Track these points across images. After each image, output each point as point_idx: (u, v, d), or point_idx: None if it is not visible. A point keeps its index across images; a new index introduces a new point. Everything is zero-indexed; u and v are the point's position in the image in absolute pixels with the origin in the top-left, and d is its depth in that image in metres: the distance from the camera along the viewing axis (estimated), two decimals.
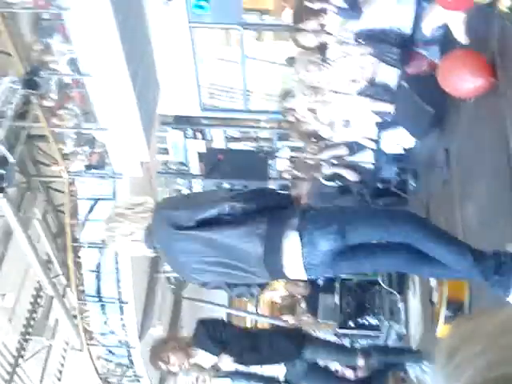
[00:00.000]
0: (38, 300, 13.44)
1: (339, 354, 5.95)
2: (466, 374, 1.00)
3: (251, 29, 9.95)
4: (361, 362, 5.74)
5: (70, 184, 9.97)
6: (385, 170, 7.54)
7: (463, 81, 4.58)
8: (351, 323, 7.90)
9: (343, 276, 8.25)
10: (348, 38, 6.11)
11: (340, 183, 8.46)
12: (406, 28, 5.60)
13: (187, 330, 15.25)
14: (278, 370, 5.30)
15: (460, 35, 4.72)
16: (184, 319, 15.28)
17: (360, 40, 5.88)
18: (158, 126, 10.90)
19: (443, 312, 5.08)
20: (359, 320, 7.85)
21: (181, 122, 11.34)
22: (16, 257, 11.85)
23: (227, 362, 5.18)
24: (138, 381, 13.38)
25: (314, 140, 7.71)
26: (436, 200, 6.06)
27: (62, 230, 12.31)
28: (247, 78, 10.34)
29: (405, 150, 6.64)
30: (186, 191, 13.36)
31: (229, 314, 16.07)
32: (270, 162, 11.11)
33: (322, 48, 6.43)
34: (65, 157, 9.73)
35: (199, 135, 11.50)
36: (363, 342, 8.43)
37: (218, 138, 11.56)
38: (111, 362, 13.10)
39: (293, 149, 10.98)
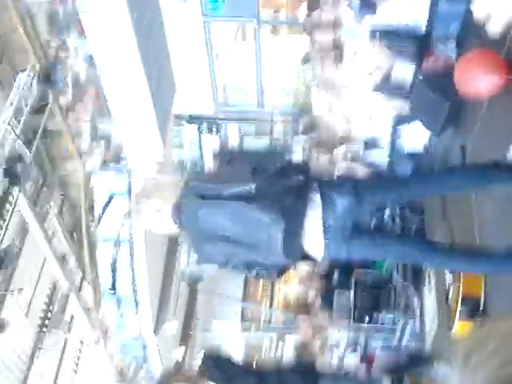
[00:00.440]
0: (54, 294, 13.55)
1: None
2: (481, 373, 1.06)
3: (267, 24, 9.93)
4: None
5: (87, 180, 10.02)
6: (399, 166, 7.51)
7: (478, 80, 4.56)
8: (366, 318, 7.90)
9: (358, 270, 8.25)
10: (363, 33, 6.09)
11: None
12: (422, 23, 5.57)
13: (202, 324, 15.35)
14: None
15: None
16: (199, 313, 15.35)
17: (376, 35, 5.86)
18: (174, 122, 10.92)
19: (458, 308, 5.08)
20: (374, 315, 7.85)
21: (195, 119, 11.34)
22: (32, 252, 11.94)
23: None
24: (153, 374, 13.46)
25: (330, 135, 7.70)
26: (452, 197, 6.04)
27: (78, 225, 12.39)
28: (262, 75, 10.33)
29: (420, 146, 6.61)
30: None
31: (244, 308, 16.13)
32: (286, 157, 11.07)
33: (337, 44, 6.40)
34: (81, 153, 9.79)
35: (214, 130, 11.48)
36: (378, 339, 8.46)
37: (233, 135, 11.54)
38: (126, 355, 13.18)
39: (308, 143, 10.96)
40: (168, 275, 12.88)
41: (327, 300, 8.99)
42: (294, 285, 11.61)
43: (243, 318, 15.93)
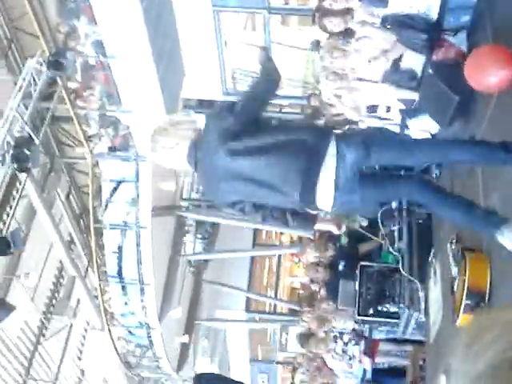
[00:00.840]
0: (60, 280, 13.62)
1: None
2: (485, 357, 1.05)
3: (276, 13, 9.89)
4: None
5: (94, 166, 10.03)
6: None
7: (488, 76, 4.53)
8: (371, 310, 7.88)
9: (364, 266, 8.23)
10: (374, 23, 6.05)
11: None
12: (433, 13, 5.53)
13: (207, 312, 15.39)
14: None
15: None
16: (204, 302, 15.39)
17: (386, 25, 5.82)
18: (182, 110, 10.91)
19: (463, 301, 5.06)
20: (379, 307, 7.83)
21: (204, 105, 11.34)
22: (39, 237, 12.00)
23: None
24: (157, 361, 13.52)
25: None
26: (460, 190, 6.01)
27: (85, 211, 12.44)
28: None
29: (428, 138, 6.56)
30: None
31: (248, 298, 16.16)
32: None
33: (347, 33, 6.37)
34: (89, 138, 9.80)
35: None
36: (382, 331, 8.46)
37: None
38: (131, 342, 13.24)
39: None
40: (173, 263, 12.91)
41: (332, 290, 8.99)
42: (298, 275, 11.61)
43: (247, 309, 15.96)
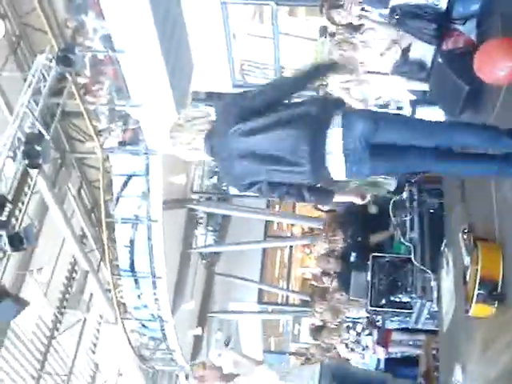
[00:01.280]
0: (73, 274, 13.69)
1: None
2: (501, 362, 1.04)
3: (284, 4, 9.86)
4: None
5: (104, 160, 10.06)
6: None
7: (497, 69, 4.49)
8: (383, 301, 7.87)
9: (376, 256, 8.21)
10: (383, 14, 6.01)
11: None
12: (442, 3, 5.49)
13: (219, 305, 15.44)
14: None
15: None
16: (216, 295, 15.43)
17: (395, 15, 5.78)
18: (191, 103, 10.91)
19: (476, 291, 5.05)
20: (391, 298, 7.82)
21: (213, 98, 11.33)
22: (51, 232, 12.06)
23: None
24: (171, 354, 13.58)
25: None
26: (471, 179, 5.99)
27: (97, 206, 12.48)
28: (280, 54, 10.27)
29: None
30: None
31: (260, 290, 16.20)
32: None
33: (356, 26, 6.33)
34: (99, 133, 9.82)
35: None
36: (394, 321, 8.45)
37: None
38: (144, 335, 13.30)
39: None
40: (185, 256, 12.95)
41: (344, 282, 8.98)
42: (310, 266, 11.61)
43: (260, 300, 16.00)
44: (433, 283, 7.17)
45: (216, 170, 14.11)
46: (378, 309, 8.05)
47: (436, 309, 7.22)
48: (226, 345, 15.28)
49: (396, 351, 9.91)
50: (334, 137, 3.69)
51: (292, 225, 16.98)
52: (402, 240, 7.79)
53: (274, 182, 3.89)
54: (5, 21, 9.90)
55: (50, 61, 7.95)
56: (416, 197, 7.86)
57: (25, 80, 8.38)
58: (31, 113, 7.79)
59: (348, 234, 9.14)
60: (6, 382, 12.13)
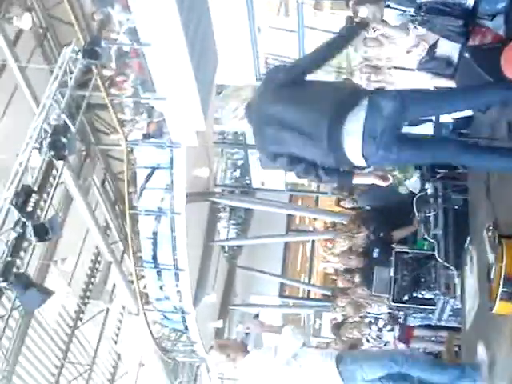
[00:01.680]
0: (97, 265, 13.81)
1: None
2: None
3: None
4: None
5: (129, 152, 10.11)
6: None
7: None
8: (406, 297, 7.84)
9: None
10: (408, 11, 5.97)
11: None
12: (469, 0, 5.44)
13: (241, 298, 15.48)
14: None
15: None
16: (238, 288, 15.48)
17: (421, 13, 5.74)
18: (216, 96, 10.93)
19: (500, 288, 5.01)
20: (414, 294, 7.78)
21: None
22: (76, 223, 12.18)
23: None
24: (192, 346, 13.65)
25: None
26: (497, 174, 5.94)
27: (121, 198, 12.56)
28: (305, 48, 10.24)
29: (464, 120, 6.45)
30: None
31: (281, 284, 16.21)
32: None
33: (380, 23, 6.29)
34: (123, 125, 9.87)
35: None
36: (417, 318, 8.40)
37: None
38: (166, 327, 13.37)
39: None
40: (208, 249, 12.99)
41: (367, 277, 8.96)
42: (332, 261, 11.58)
43: (281, 294, 16.00)
44: (456, 280, 7.13)
45: (239, 163, 14.16)
46: (400, 305, 8.02)
47: (459, 306, 7.17)
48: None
49: (417, 347, 9.87)
50: (356, 118, 3.69)
51: (314, 219, 16.95)
52: (425, 236, 7.75)
53: (295, 158, 3.96)
54: (32, 13, 9.98)
55: (77, 53, 7.99)
56: (441, 193, 7.81)
57: (51, 72, 8.45)
58: (57, 105, 7.84)
59: (371, 229, 9.11)
60: (29, 370, 12.28)
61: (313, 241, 16.96)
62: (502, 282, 4.97)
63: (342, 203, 10.61)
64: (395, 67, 6.38)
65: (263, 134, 4.00)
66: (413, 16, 5.88)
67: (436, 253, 7.38)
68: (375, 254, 8.86)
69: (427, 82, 6.45)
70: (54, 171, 9.35)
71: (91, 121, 11.75)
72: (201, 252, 12.75)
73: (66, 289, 12.57)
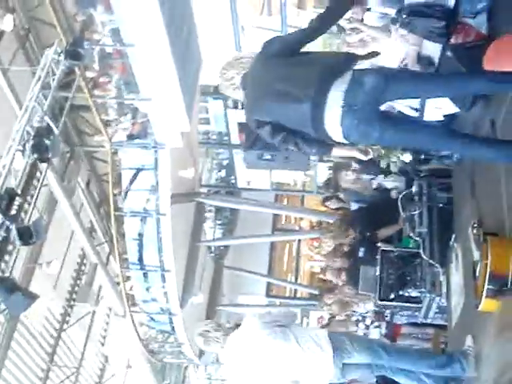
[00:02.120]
0: (82, 267, 13.73)
1: None
2: None
3: None
4: None
5: (113, 154, 10.06)
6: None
7: (503, 68, 4.43)
8: (392, 295, 7.85)
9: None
10: (389, 14, 5.98)
11: None
12: (450, 1, 5.46)
13: (228, 298, 15.46)
14: None
15: None
16: (225, 288, 15.45)
17: (402, 15, 5.75)
18: (200, 96, 10.90)
19: (486, 286, 5.03)
20: (400, 292, 7.79)
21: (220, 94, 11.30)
22: (61, 225, 12.08)
23: None
24: (180, 347, 13.62)
25: None
26: (481, 171, 5.96)
27: (106, 199, 12.50)
28: None
29: (448, 117, 6.47)
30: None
31: (268, 283, 16.21)
32: None
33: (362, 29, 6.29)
34: (108, 126, 9.82)
35: (240, 105, 11.46)
36: (403, 315, 8.41)
37: None
38: (153, 328, 13.34)
39: None
40: (194, 250, 12.96)
41: (353, 276, 8.97)
42: (318, 260, 11.61)
43: (268, 294, 16.00)
44: (442, 278, 7.15)
45: (224, 163, 14.15)
46: (386, 303, 8.02)
47: (445, 303, 7.20)
48: None
49: (404, 344, 9.89)
50: (340, 89, 3.71)
51: (300, 218, 16.96)
52: (411, 234, 7.77)
53: (278, 127, 3.98)
54: (13, 15, 9.89)
55: (59, 55, 7.94)
56: (425, 191, 7.83)
57: (34, 74, 8.38)
58: (40, 107, 7.79)
59: (357, 231, 9.11)
60: (15, 374, 12.20)
61: (299, 240, 16.97)
62: (487, 280, 4.99)
63: (327, 204, 10.60)
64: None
65: (253, 102, 4.06)
66: (394, 18, 5.89)
67: (421, 251, 7.40)
68: (361, 254, 8.86)
69: None
70: (38, 173, 9.29)
71: (75, 122, 11.66)
72: (187, 253, 12.72)
73: (52, 292, 12.49)
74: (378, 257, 8.04)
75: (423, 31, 5.77)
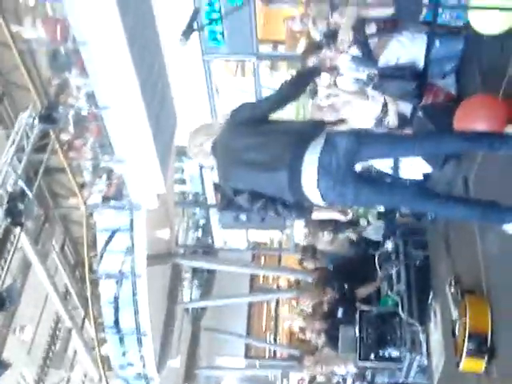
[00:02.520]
0: (57, 332, 13.45)
1: None
2: None
3: (266, 59, 10.01)
4: None
5: (89, 216, 9.99)
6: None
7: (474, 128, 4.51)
8: (372, 355, 7.76)
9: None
10: (360, 79, 6.07)
11: None
12: (420, 61, 5.58)
13: (206, 360, 15.19)
14: None
15: None
16: (203, 350, 15.19)
17: (374, 80, 5.87)
18: (175, 157, 10.92)
19: (465, 344, 5.00)
20: (380, 352, 7.71)
21: None
22: (34, 289, 11.88)
23: None
24: None
25: None
26: (455, 229, 6.00)
27: (81, 262, 12.36)
28: None
29: (423, 175, 6.56)
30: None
31: (247, 344, 15.99)
32: None
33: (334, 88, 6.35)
34: (82, 189, 9.78)
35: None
36: (384, 375, 8.30)
37: None
38: None
39: None
40: (171, 311, 12.77)
41: (332, 338, 8.86)
42: (297, 320, 11.49)
43: (247, 355, 15.78)
44: (421, 336, 7.10)
45: (200, 222, 14.11)
46: (367, 363, 7.94)
47: (426, 362, 7.13)
48: None
49: None
50: (314, 151, 3.75)
51: (278, 277, 16.89)
52: (389, 293, 7.75)
53: (256, 194, 3.99)
54: None
55: (34, 118, 7.94)
56: (401, 249, 7.85)
57: (8, 137, 8.36)
58: (14, 171, 7.74)
59: (335, 288, 9.07)
60: None
61: (277, 299, 16.86)
62: (466, 339, 4.97)
63: (304, 264, 10.61)
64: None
65: (226, 170, 4.07)
66: (366, 82, 5.99)
67: (400, 309, 7.37)
68: (340, 314, 8.79)
69: None
70: (12, 237, 9.18)
71: (50, 185, 11.61)
72: (164, 315, 12.52)
73: (26, 357, 12.20)
74: (357, 317, 7.99)
75: (395, 92, 5.87)
